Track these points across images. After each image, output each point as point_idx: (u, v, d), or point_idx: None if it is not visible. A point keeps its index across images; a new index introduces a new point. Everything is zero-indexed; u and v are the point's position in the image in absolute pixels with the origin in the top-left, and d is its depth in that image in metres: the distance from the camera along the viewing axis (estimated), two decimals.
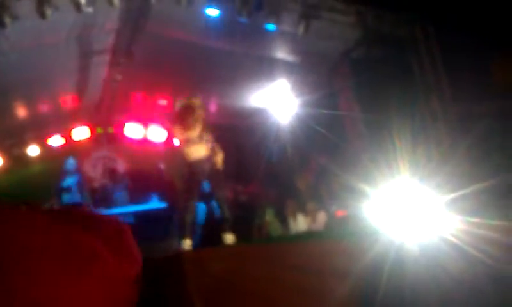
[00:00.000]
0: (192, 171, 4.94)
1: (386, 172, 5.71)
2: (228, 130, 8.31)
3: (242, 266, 3.77)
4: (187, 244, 4.85)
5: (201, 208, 6.32)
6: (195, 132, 4.91)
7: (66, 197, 6.81)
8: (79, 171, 7.38)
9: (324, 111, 6.69)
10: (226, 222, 5.02)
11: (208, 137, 5.02)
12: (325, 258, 3.61)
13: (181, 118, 4.91)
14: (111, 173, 8.14)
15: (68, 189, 6.95)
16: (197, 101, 5.00)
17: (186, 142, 4.92)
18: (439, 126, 5.92)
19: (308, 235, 5.72)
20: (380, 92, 6.23)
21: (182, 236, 4.88)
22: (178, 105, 5.01)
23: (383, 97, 6.17)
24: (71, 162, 7.27)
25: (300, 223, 6.44)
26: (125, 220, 6.93)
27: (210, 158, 4.99)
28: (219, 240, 5.00)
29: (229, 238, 4.98)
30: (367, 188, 5.82)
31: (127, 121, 8.54)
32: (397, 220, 4.50)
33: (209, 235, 6.25)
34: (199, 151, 4.96)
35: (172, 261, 3.92)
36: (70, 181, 7.14)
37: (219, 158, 5.07)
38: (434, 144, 5.77)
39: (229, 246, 4.80)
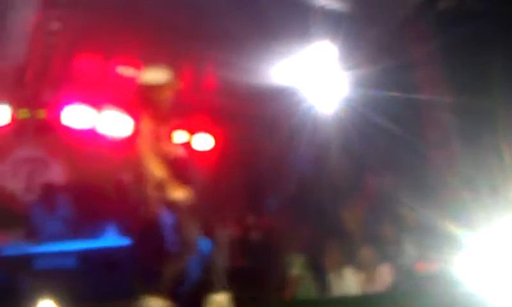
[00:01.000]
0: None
1: (493, 202, 5.84)
2: (233, 123, 8.63)
3: None
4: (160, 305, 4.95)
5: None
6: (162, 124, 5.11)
7: None
8: None
9: (391, 95, 6.80)
10: (214, 277, 5.15)
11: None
12: None
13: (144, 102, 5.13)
14: (41, 185, 8.14)
15: None
16: (167, 73, 5.16)
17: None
18: None
19: (364, 300, 5.78)
20: (482, 65, 6.37)
21: (154, 294, 4.97)
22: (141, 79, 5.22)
23: (487, 73, 6.29)
24: None
25: (348, 281, 6.52)
26: (62, 263, 7.23)
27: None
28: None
29: (218, 301, 5.07)
30: (461, 229, 5.93)
31: (67, 102, 8.46)
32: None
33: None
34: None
35: None
36: None
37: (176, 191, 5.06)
38: None
39: None
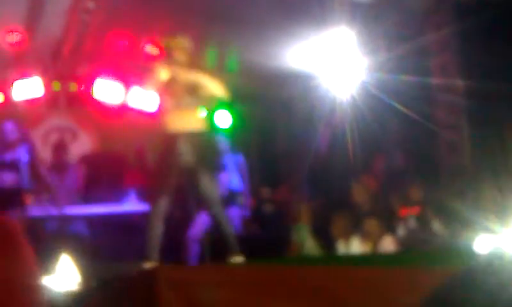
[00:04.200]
0: (168, 151, 5.12)
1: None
2: (252, 102, 8.51)
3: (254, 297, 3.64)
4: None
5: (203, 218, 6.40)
6: (181, 92, 5.13)
7: (9, 177, 6.71)
8: (27, 140, 7.23)
9: (407, 79, 6.63)
10: (227, 240, 5.13)
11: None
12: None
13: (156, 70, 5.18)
14: (65, 150, 8.17)
15: (11, 165, 6.83)
16: (184, 41, 5.22)
17: (168, 106, 5.17)
18: None
19: (371, 259, 5.69)
20: (497, 53, 6.10)
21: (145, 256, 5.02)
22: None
23: (502, 61, 6.14)
24: (11, 128, 6.99)
25: (354, 249, 6.41)
26: (85, 226, 7.34)
27: (202, 136, 5.17)
28: None
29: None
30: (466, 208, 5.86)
31: (98, 76, 8.50)
32: None
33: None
34: (185, 120, 5.14)
35: (138, 283, 3.97)
36: (12, 154, 6.95)
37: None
38: None
39: (232, 266, 4.81)
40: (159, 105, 5.41)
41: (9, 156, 6.81)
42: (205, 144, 5.20)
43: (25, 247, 1.82)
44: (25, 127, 7.28)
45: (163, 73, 5.12)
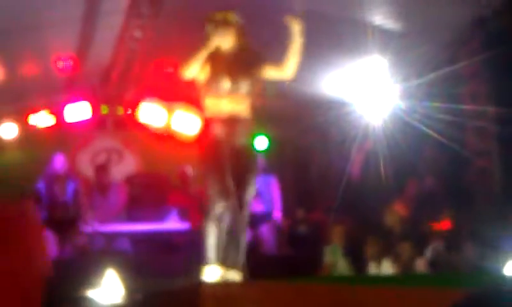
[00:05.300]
0: (216, 140, 4.38)
1: None
2: (288, 125, 8.68)
3: None
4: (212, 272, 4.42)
5: None
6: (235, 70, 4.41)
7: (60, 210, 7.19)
8: (72, 173, 7.73)
9: (438, 106, 6.69)
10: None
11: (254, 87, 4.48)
12: None
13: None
14: (107, 170, 8.37)
15: (61, 201, 7.31)
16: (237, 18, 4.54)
17: (210, 87, 4.47)
18: None
19: (402, 279, 5.48)
20: None
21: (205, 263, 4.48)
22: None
23: None
24: (61, 160, 7.53)
25: (385, 270, 6.42)
26: (128, 243, 7.51)
27: (247, 124, 4.48)
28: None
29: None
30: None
31: (143, 100, 8.78)
32: None
33: None
34: (232, 104, 4.43)
35: (182, 298, 4.00)
36: (61, 189, 7.48)
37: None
38: None
39: (275, 283, 4.42)
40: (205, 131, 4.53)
41: (58, 190, 7.35)
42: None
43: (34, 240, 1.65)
44: (72, 159, 7.72)
45: (215, 41, 4.38)
